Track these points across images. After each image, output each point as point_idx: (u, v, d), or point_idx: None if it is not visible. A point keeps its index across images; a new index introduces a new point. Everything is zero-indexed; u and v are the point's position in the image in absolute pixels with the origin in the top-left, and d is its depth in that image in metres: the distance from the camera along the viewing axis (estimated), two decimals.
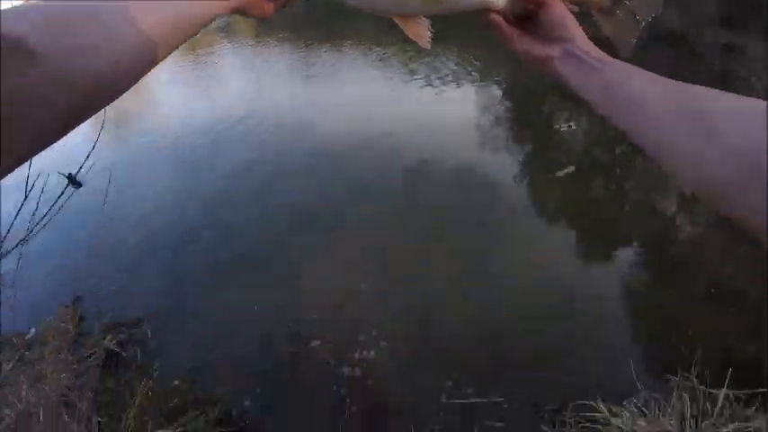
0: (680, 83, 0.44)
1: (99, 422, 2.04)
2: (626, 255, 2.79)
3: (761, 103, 0.37)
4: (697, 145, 0.39)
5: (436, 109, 4.68)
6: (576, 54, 0.51)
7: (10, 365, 2.35)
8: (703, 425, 1.61)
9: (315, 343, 2.27)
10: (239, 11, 0.50)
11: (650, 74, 0.46)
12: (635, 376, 1.94)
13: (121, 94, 0.41)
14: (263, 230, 3.04)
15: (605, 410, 1.77)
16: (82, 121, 0.39)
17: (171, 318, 2.46)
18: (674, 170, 0.42)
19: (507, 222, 3.04)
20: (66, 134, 0.38)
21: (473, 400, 1.99)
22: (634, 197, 3.34)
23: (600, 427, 1.74)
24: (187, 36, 0.45)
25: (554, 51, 0.53)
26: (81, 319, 2.61)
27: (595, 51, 0.51)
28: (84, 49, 0.36)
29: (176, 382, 2.19)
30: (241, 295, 2.55)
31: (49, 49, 0.33)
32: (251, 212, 3.23)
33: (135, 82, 0.42)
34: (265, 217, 3.17)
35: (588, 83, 0.50)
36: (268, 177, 3.57)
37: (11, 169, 0.35)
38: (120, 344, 2.40)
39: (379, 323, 2.33)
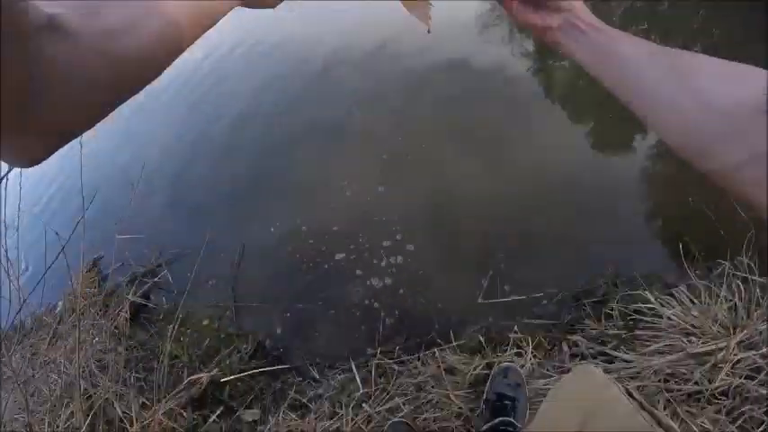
0: (667, 48, 0.46)
1: (136, 378, 1.95)
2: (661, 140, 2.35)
3: (743, 66, 0.39)
4: (682, 103, 0.41)
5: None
6: (576, 24, 0.52)
7: (46, 343, 2.28)
8: (755, 315, 1.37)
9: (339, 256, 2.06)
10: (248, 4, 0.52)
11: (639, 38, 0.48)
12: (683, 261, 1.65)
13: (153, 76, 0.43)
14: (268, 153, 2.77)
15: (653, 300, 1.53)
16: (120, 99, 0.41)
17: (188, 257, 2.29)
18: (657, 126, 0.44)
19: (524, 112, 2.61)
20: (105, 111, 0.40)
21: (511, 298, 1.76)
22: None
23: (648, 318, 1.50)
24: (207, 26, 0.47)
25: (554, 22, 0.53)
26: (104, 279, 2.49)
27: (593, 19, 0.52)
28: (113, 31, 0.37)
29: (205, 322, 2.06)
30: (255, 221, 2.33)
31: (81, 29, 0.35)
32: (255, 137, 2.94)
33: (164, 64, 0.43)
34: (269, 140, 2.88)
35: (584, 48, 0.51)
36: (267, 100, 3.23)
37: (58, 145, 0.38)
38: (145, 295, 2.28)
39: (402, 226, 2.09)
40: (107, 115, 0.41)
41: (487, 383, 1.40)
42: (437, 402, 1.45)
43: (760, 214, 0.37)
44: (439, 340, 1.67)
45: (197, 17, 0.45)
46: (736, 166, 0.36)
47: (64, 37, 0.33)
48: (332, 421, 1.55)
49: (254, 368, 1.80)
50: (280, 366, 1.79)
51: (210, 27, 0.48)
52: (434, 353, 1.62)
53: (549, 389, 1.37)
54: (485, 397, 1.36)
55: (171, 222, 2.56)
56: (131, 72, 0.39)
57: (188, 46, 0.45)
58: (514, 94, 2.71)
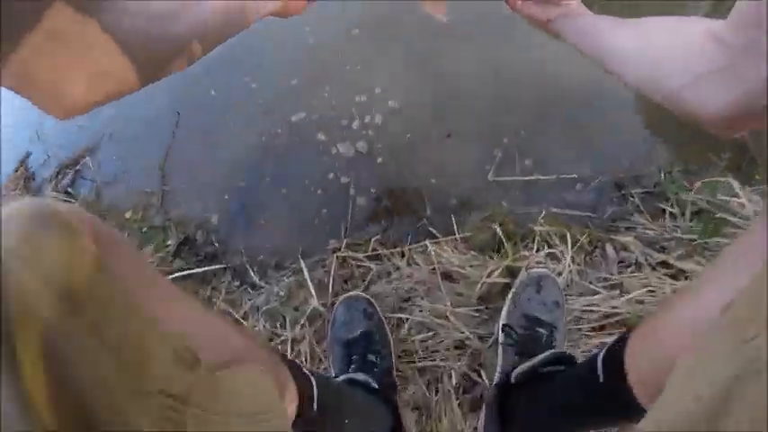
0: (633, 19, 0.51)
1: None
2: None
3: (683, 18, 0.46)
4: (640, 55, 0.47)
5: None
6: (567, 14, 0.59)
7: None
8: None
9: (297, 117, 1.38)
10: (277, 14, 0.59)
11: (614, 18, 0.54)
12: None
13: (206, 50, 0.46)
14: None
15: (739, 192, 1.05)
16: (171, 66, 0.43)
17: (117, 135, 1.64)
18: (627, 80, 0.51)
19: None
20: (158, 75, 0.43)
21: (534, 177, 1.10)
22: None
23: (670, 205, 1.05)
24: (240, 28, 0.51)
25: (553, 14, 0.60)
26: (30, 178, 1.86)
27: (583, 9, 0.60)
28: (162, 16, 0.40)
29: (128, 215, 1.45)
30: (194, 81, 1.62)
31: (137, 11, 0.38)
32: None
33: (213, 44, 0.47)
34: None
35: (571, 30, 0.59)
36: None
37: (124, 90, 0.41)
38: (68, 191, 1.65)
39: (382, 76, 1.38)
40: (158, 80, 0.43)
41: (508, 300, 0.79)
42: (426, 325, 0.84)
43: (702, 127, 0.41)
44: (432, 229, 1.04)
45: (228, 24, 0.48)
46: (680, 89, 0.42)
47: (123, 14, 0.36)
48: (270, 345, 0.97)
49: (178, 270, 1.21)
50: (210, 267, 1.19)
51: (243, 28, 0.51)
52: (426, 247, 0.99)
53: (591, 311, 0.76)
54: (504, 321, 0.75)
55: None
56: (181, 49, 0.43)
57: (228, 37, 0.49)
58: None
